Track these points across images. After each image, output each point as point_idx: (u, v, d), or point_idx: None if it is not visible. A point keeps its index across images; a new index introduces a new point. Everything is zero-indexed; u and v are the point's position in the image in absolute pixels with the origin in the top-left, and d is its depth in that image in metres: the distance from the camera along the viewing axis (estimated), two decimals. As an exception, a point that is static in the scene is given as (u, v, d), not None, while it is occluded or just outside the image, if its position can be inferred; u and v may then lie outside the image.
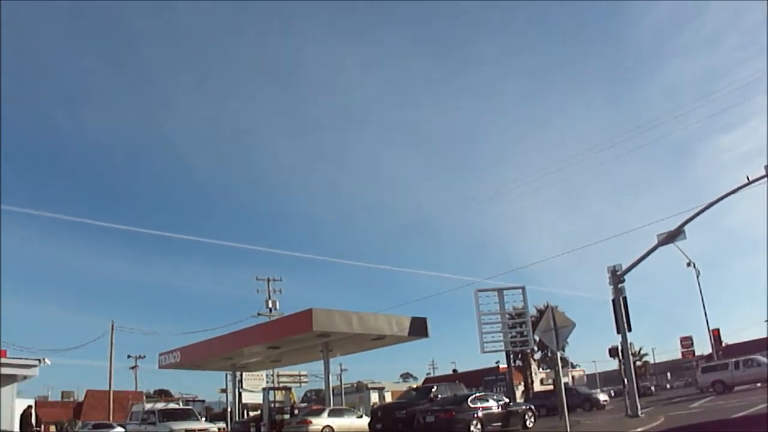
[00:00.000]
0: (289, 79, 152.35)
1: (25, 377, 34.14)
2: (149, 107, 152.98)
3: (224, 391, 71.25)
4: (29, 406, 36.15)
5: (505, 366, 48.81)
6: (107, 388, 67.08)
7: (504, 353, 40.97)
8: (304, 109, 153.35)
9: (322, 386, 53.56)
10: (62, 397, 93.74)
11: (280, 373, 68.97)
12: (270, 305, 60.46)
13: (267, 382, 66.52)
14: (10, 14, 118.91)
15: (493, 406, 31.06)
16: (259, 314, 58.92)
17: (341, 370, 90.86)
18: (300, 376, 78.52)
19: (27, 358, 34.77)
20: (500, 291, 37.33)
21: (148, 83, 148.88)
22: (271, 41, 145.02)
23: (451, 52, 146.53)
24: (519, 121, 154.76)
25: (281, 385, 56.70)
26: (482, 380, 54.58)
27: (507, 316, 37.12)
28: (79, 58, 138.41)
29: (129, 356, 79.86)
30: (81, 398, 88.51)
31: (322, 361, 41.66)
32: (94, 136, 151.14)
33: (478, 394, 32.99)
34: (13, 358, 34.43)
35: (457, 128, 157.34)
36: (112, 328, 66.30)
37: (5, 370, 32.63)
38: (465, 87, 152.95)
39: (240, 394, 55.52)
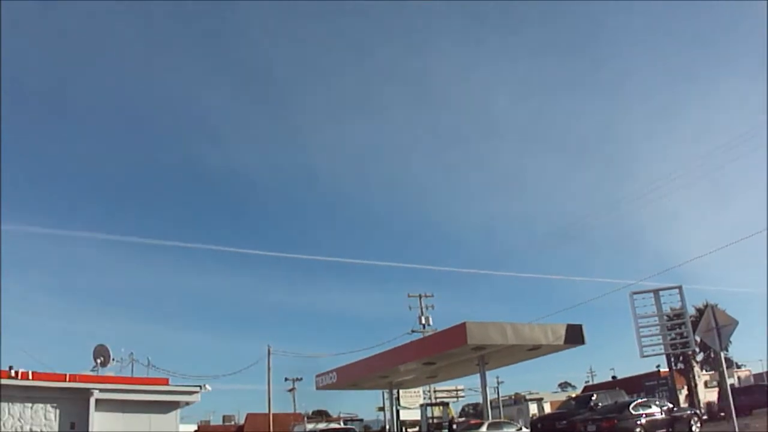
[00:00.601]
0: (422, 94, 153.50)
1: (187, 403, 36.00)
2: (288, 135, 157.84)
3: (382, 409, 72.07)
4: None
5: (667, 370, 47.19)
6: (266, 411, 69.14)
7: (664, 356, 39.80)
8: (440, 122, 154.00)
9: (480, 400, 53.46)
10: (223, 421, 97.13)
11: (437, 388, 69.25)
12: (423, 321, 60.97)
13: (424, 398, 66.97)
14: (151, 54, 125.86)
15: (656, 412, 30.20)
16: (412, 331, 59.55)
17: (498, 383, 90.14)
18: (457, 390, 78.55)
19: (189, 385, 36.66)
20: (656, 292, 36.37)
21: (284, 110, 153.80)
22: (402, 57, 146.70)
23: (576, 52, 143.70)
24: (656, 114, 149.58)
25: (438, 400, 57.06)
26: (643, 386, 52.81)
27: (665, 317, 36.10)
28: (216, 90, 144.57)
29: (286, 379, 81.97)
30: (242, 421, 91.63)
31: (478, 375, 41.53)
32: (238, 167, 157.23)
33: (640, 401, 32.07)
34: (176, 385, 36.38)
35: (594, 128, 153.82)
36: (269, 353, 68.45)
37: (168, 397, 34.53)
38: (595, 86, 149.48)
39: (398, 412, 56.12)
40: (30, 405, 37.44)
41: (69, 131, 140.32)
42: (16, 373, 40.05)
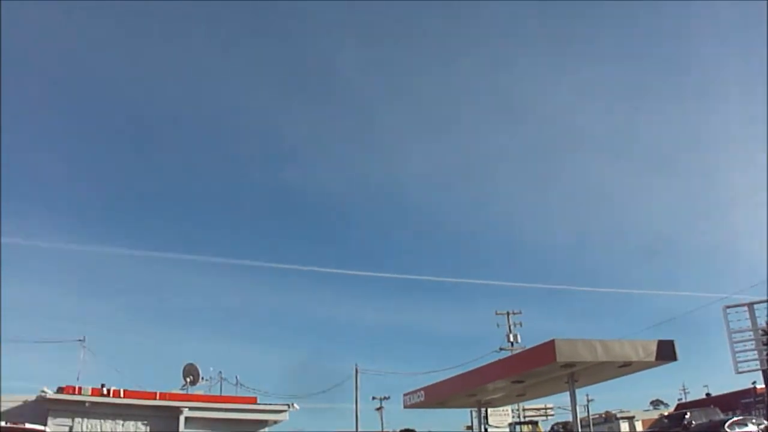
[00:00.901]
0: (506, 109, 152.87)
1: (275, 422, 36.77)
2: (373, 152, 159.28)
3: (470, 428, 71.79)
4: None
5: (763, 386, 45.86)
6: (353, 429, 69.68)
7: (761, 372, 38.79)
8: (524, 137, 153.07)
9: (570, 418, 52.81)
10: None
11: (526, 407, 68.63)
12: (511, 339, 60.73)
13: (513, 417, 66.45)
14: (234, 75, 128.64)
15: (752, 430, 29.52)
16: (501, 349, 59.33)
17: (588, 401, 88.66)
18: (546, 409, 77.63)
19: (277, 404, 37.44)
20: (750, 306, 35.62)
21: (368, 128, 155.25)
22: (484, 73, 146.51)
23: (661, 56, 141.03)
24: (747, 119, 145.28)
25: (527, 419, 56.56)
26: (739, 403, 51.33)
27: (760, 332, 35.28)
28: (299, 110, 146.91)
29: (374, 398, 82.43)
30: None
31: (567, 393, 41.12)
32: (324, 187, 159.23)
33: (735, 419, 31.36)
34: (264, 404, 37.22)
35: (682, 135, 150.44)
36: (356, 372, 69.04)
37: (257, 416, 35.37)
38: (677, 93, 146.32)
39: (486, 431, 55.86)
40: (121, 422, 38.90)
41: (154, 154, 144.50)
42: (108, 390, 41.64)
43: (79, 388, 40.99)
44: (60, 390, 40.74)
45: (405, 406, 53.58)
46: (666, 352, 39.28)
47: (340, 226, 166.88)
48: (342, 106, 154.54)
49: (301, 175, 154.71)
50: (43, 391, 40.18)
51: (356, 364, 69.85)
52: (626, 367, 39.97)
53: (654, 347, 38.76)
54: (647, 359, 38.37)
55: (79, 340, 48.51)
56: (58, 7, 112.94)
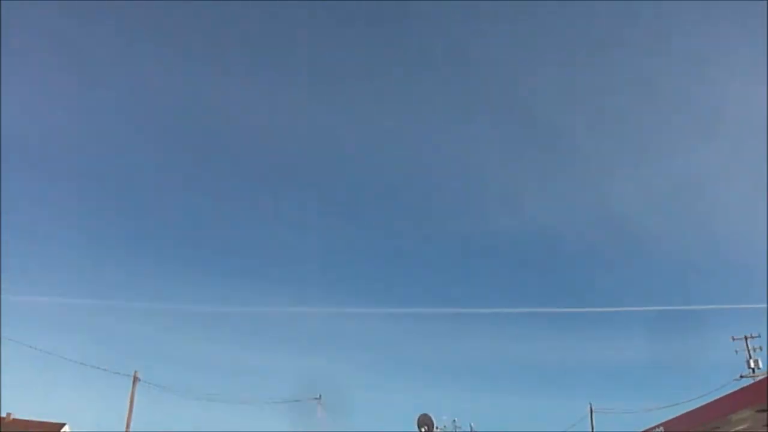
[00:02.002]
0: (712, 124, 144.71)
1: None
2: (579, 182, 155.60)
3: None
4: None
5: None
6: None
7: None
8: (736, 152, 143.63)
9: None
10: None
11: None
12: (752, 365, 57.01)
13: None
14: (424, 115, 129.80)
15: None
16: (741, 377, 55.81)
17: None
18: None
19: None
20: None
21: (570, 158, 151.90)
22: (686, 89, 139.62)
23: None
24: None
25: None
26: None
27: None
28: (498, 146, 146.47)
29: (610, 438, 79.77)
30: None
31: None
32: (534, 226, 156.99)
33: None
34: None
35: None
36: (591, 411, 67.18)
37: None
38: None
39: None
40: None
41: (355, 204, 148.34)
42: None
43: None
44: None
45: (645, 444, 51.60)
46: None
47: (559, 263, 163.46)
48: (540, 137, 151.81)
49: (506, 215, 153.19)
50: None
51: (590, 404, 68.06)
52: None
53: None
54: None
55: (316, 399, 50.99)
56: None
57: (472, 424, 56.29)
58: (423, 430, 48.90)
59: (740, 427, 46.07)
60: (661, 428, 46.55)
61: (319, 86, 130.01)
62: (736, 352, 58.19)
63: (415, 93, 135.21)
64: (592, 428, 66.05)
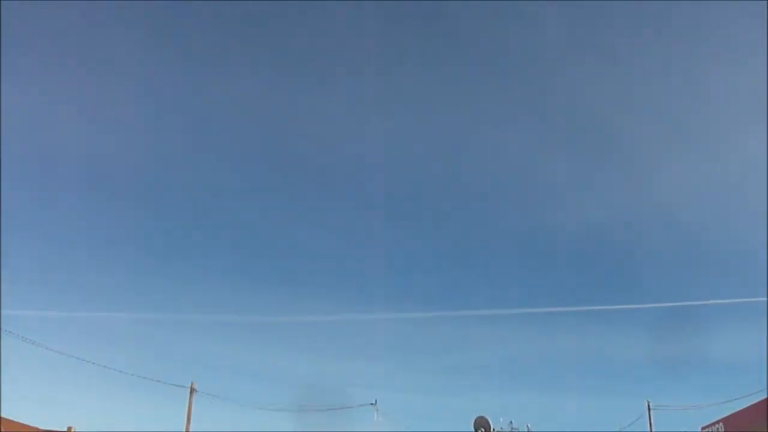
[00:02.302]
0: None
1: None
2: (630, 180, 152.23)
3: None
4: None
5: None
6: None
7: None
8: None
9: None
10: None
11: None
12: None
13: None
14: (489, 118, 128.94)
15: None
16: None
17: None
18: None
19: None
20: None
21: (619, 156, 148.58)
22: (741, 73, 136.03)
23: None
24: None
25: None
26: None
27: None
28: (551, 146, 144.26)
29: (673, 434, 78.48)
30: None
31: None
32: (588, 226, 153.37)
33: None
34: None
35: None
36: (648, 408, 66.31)
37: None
38: None
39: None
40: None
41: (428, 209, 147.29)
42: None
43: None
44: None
45: (704, 440, 50.72)
46: None
47: (603, 257, 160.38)
48: (591, 135, 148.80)
49: (562, 216, 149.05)
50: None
51: (648, 401, 67.10)
52: None
53: None
54: None
55: (372, 404, 51.25)
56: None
57: (528, 425, 55.89)
58: (480, 432, 48.86)
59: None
60: (721, 425, 45.95)
61: (375, 89, 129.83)
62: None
63: (463, 92, 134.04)
64: (651, 426, 65.14)
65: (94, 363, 42.05)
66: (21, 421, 43.01)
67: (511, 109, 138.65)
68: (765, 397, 42.22)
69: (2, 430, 40.25)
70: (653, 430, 64.61)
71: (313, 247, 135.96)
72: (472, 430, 46.65)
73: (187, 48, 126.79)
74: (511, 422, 56.85)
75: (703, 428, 48.72)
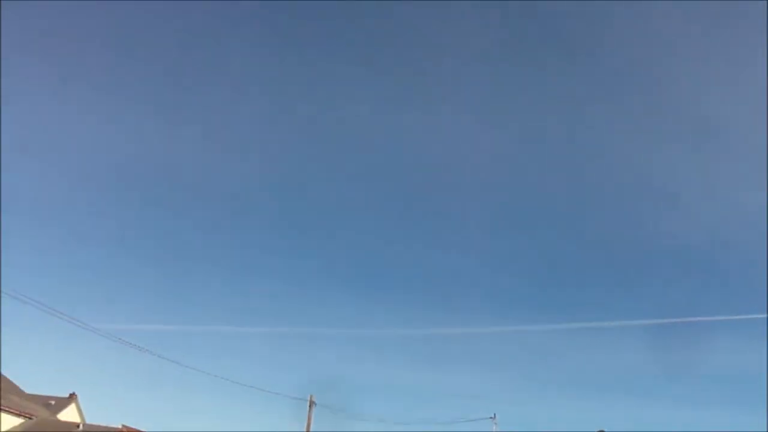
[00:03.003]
0: None
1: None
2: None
3: None
4: None
5: None
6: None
7: None
8: None
9: None
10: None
11: None
12: None
13: None
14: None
15: None
16: None
17: None
18: None
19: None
20: None
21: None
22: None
23: None
24: None
25: None
26: None
27: None
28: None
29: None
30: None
31: None
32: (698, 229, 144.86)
33: None
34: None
35: None
36: None
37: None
38: None
39: None
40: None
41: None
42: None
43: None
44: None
45: None
46: None
47: (721, 265, 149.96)
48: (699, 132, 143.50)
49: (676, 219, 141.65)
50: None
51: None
52: None
53: None
54: None
55: (491, 418, 53.35)
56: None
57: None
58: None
59: None
60: None
61: (485, 99, 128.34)
62: None
63: (571, 97, 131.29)
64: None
65: (221, 377, 43.76)
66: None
67: (619, 107, 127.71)
68: None
69: None
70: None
71: (438, 264, 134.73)
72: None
73: (319, 76, 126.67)
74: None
75: None
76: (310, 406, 43.42)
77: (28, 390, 52.02)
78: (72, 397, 64.40)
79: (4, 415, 44.13)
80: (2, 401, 44.45)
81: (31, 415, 47.09)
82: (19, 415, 45.73)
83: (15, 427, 45.24)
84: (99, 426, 48.65)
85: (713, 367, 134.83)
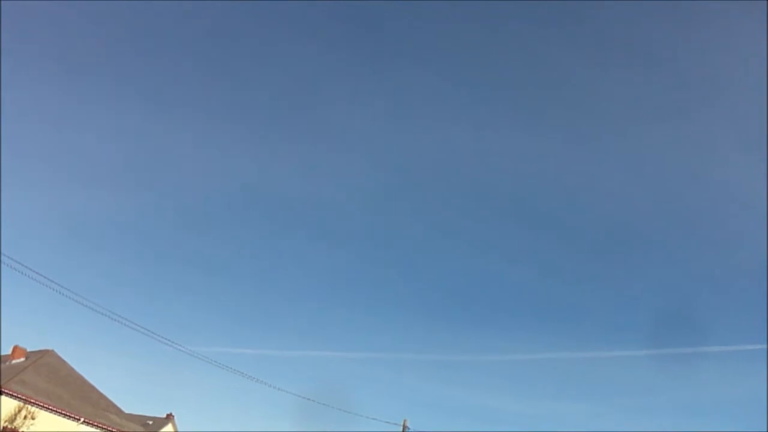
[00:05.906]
0: None
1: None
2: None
3: None
4: None
5: None
6: None
7: None
8: None
9: None
10: None
11: None
12: None
13: None
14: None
15: None
16: None
17: None
18: None
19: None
20: None
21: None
22: None
23: None
24: None
25: None
26: None
27: None
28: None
29: None
30: None
31: None
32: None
33: None
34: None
35: None
36: None
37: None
38: None
39: None
40: None
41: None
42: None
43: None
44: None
45: None
46: None
47: None
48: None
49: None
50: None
51: None
52: None
53: None
54: None
55: None
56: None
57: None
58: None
59: None
60: None
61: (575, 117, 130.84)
62: None
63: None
64: None
65: (311, 399, 43.81)
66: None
67: (691, 112, 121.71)
68: None
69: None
70: None
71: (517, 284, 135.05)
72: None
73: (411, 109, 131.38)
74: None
75: None
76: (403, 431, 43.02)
77: (127, 409, 53.00)
78: (169, 417, 65.84)
79: (103, 435, 45.11)
80: (102, 420, 45.48)
81: (130, 434, 47.92)
82: (118, 434, 46.60)
83: (114, 446, 46.10)
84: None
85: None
